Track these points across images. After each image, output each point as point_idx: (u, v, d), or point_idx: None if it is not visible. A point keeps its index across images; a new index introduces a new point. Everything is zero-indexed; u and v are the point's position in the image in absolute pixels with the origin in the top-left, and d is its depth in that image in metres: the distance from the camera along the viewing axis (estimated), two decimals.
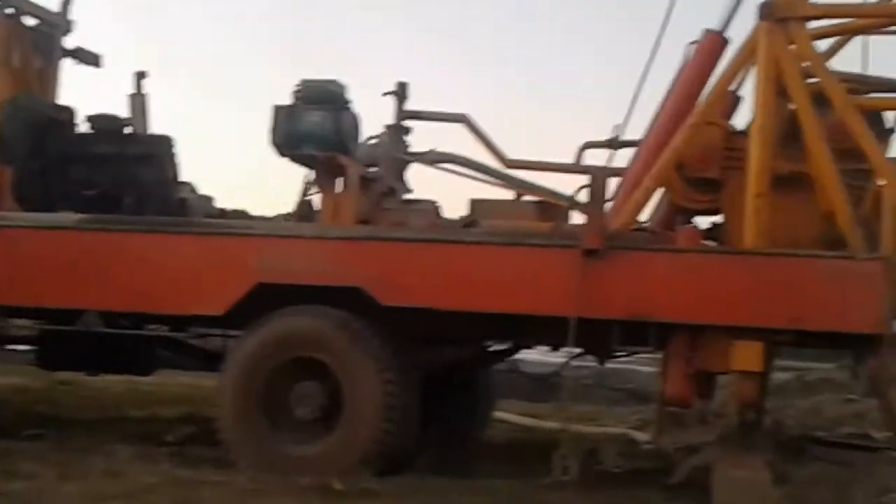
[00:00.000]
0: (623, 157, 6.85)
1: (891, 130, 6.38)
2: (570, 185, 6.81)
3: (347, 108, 6.98)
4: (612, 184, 6.61)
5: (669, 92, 6.59)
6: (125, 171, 7.22)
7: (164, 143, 7.42)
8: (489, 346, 7.24)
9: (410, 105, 7.47)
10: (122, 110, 7.58)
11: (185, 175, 7.50)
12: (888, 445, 6.66)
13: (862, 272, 5.49)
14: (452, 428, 7.51)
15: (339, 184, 6.84)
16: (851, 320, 5.49)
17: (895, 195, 5.60)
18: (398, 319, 6.10)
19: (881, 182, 5.79)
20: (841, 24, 6.39)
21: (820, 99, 5.79)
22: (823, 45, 6.47)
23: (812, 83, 5.89)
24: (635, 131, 6.77)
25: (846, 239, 5.67)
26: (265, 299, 6.16)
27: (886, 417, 5.97)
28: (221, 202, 7.70)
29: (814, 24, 6.11)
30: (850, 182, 5.76)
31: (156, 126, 7.68)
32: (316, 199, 7.04)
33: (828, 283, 5.54)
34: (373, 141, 7.35)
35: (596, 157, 7.25)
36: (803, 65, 5.88)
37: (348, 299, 6.06)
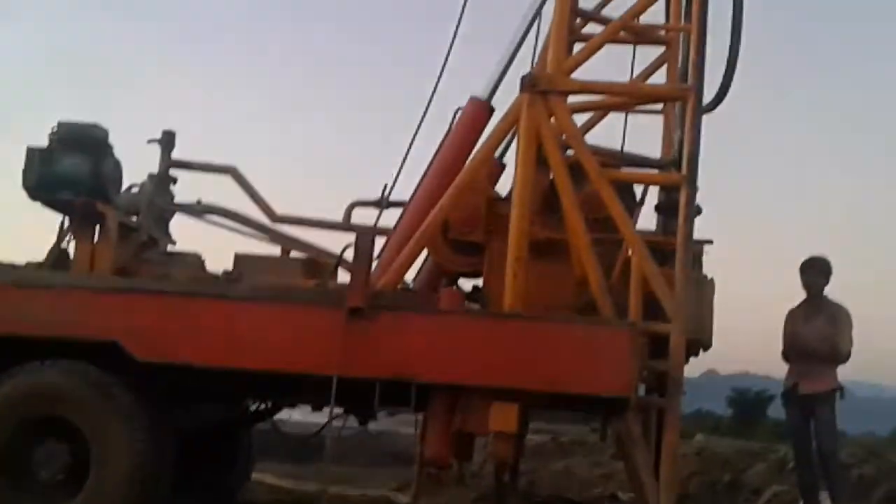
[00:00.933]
0: (391, 217, 6.95)
1: (640, 203, 6.76)
2: (337, 242, 6.80)
3: (109, 154, 6.73)
4: (379, 243, 6.67)
5: (436, 155, 6.75)
6: None
7: None
8: (250, 405, 7.07)
9: (177, 154, 7.30)
10: None
11: None
12: None
13: (611, 338, 5.66)
14: (209, 489, 7.28)
15: (97, 232, 6.56)
16: (601, 384, 5.63)
17: (642, 265, 5.90)
18: (156, 376, 5.87)
19: (630, 252, 6.08)
20: (597, 100, 6.75)
21: (577, 170, 6.03)
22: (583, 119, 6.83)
23: (570, 155, 6.16)
24: (403, 192, 6.89)
25: (598, 306, 5.90)
26: (11, 353, 5.80)
27: (631, 478, 6.20)
28: None
29: (573, 98, 6.39)
30: (602, 251, 6.01)
31: None
32: (71, 247, 6.71)
33: (580, 348, 5.67)
34: (135, 189, 7.11)
35: (364, 216, 7.30)
36: (562, 137, 6.13)
37: (103, 354, 5.78)
